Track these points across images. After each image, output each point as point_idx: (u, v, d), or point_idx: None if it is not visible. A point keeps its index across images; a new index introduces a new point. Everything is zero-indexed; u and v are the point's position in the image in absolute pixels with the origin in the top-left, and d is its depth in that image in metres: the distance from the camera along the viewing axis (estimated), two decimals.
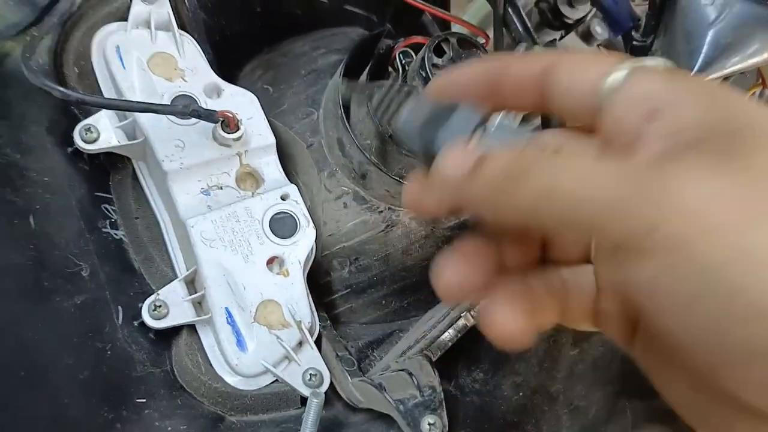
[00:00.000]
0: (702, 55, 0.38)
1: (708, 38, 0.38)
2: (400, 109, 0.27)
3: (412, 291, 0.56)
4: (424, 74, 0.45)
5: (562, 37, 0.62)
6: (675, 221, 0.18)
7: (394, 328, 0.56)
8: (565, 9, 0.58)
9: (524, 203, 0.21)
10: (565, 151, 0.23)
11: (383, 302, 0.55)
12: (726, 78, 0.44)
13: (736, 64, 0.38)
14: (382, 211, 0.52)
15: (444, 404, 0.42)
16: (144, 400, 0.42)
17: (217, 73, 0.52)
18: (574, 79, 0.24)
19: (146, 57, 0.48)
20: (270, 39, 0.58)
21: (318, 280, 0.53)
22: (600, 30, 0.59)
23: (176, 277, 0.47)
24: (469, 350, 0.53)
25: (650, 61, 0.23)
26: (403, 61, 0.50)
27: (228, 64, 0.57)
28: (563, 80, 0.24)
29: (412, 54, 0.50)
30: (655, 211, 0.18)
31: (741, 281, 0.17)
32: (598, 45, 0.66)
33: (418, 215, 0.29)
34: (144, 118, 0.46)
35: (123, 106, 0.44)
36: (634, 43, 0.42)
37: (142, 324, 0.44)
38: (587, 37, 0.63)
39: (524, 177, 0.21)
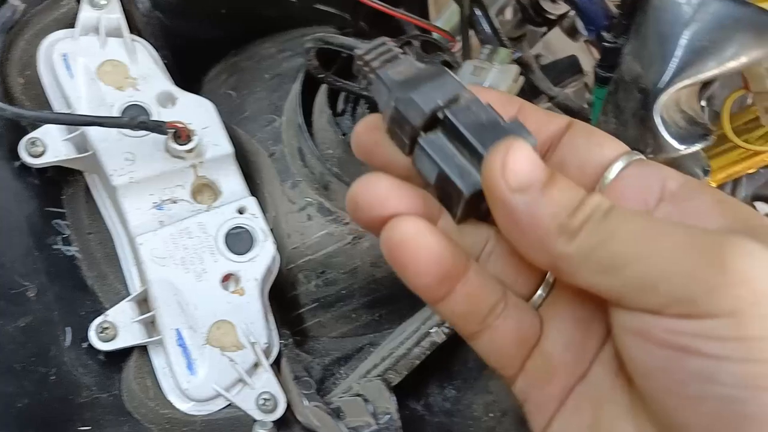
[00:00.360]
0: (675, 59, 0.35)
1: (682, 40, 0.35)
2: (385, 65, 0.24)
3: (383, 304, 0.53)
4: None
5: (544, 33, 0.59)
6: (735, 287, 0.18)
7: (365, 342, 0.53)
8: (546, 4, 0.55)
9: (567, 250, 0.21)
10: (618, 208, 0.22)
11: (353, 316, 0.53)
12: (707, 83, 0.40)
13: (712, 69, 0.35)
14: (348, 223, 0.49)
15: None
16: (88, 428, 0.40)
17: (178, 79, 0.50)
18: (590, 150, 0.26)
19: (95, 65, 0.46)
20: (237, 42, 0.56)
21: (283, 294, 0.51)
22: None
23: (130, 294, 0.45)
24: (442, 365, 0.51)
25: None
26: None
27: (192, 69, 0.55)
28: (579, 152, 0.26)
29: None
30: (719, 276, 0.19)
31: None
32: (585, 41, 0.62)
33: (368, 162, 0.27)
34: (92, 131, 0.44)
35: (64, 120, 0.42)
36: (605, 44, 0.38)
37: (92, 346, 0.43)
38: (572, 32, 0.59)
39: (579, 220, 0.21)
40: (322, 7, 0.57)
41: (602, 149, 0.25)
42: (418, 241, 0.23)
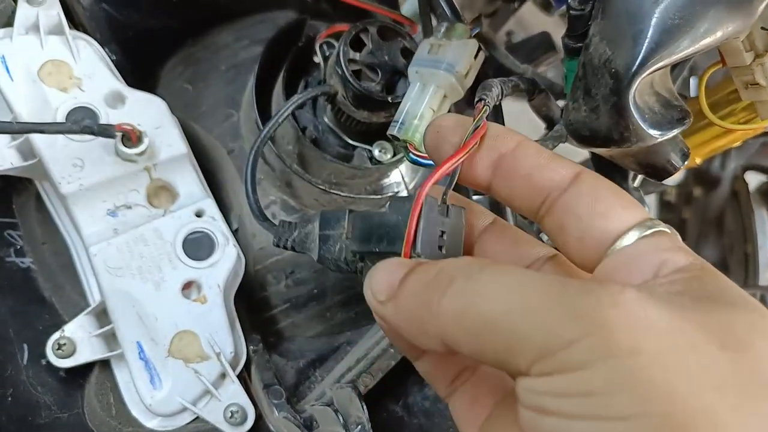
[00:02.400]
0: (647, 40, 0.32)
1: (653, 19, 0.32)
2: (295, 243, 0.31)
3: (357, 301, 0.51)
4: (340, 72, 0.39)
5: (516, 9, 0.56)
6: (589, 338, 0.17)
7: (342, 341, 0.52)
8: None
9: (441, 322, 0.20)
10: (492, 265, 0.21)
11: (327, 315, 0.51)
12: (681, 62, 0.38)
13: (686, 48, 0.32)
14: None
15: None
16: None
17: (130, 75, 0.47)
18: (592, 220, 0.23)
19: (36, 66, 0.43)
20: (193, 31, 0.53)
21: (252, 297, 0.49)
22: None
23: (90, 305, 0.43)
24: None
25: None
26: (327, 54, 0.45)
27: (146, 63, 0.52)
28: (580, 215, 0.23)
29: (336, 44, 0.45)
30: (576, 329, 0.17)
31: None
32: (561, 15, 0.60)
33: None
34: (37, 137, 0.41)
35: (1, 129, 0.39)
36: (572, 12, 0.36)
37: (51, 362, 0.41)
38: (546, 6, 0.56)
39: (443, 291, 0.20)
40: None
41: (607, 221, 0.22)
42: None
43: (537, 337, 0.18)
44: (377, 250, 0.25)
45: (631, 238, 0.21)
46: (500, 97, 0.29)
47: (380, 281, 0.22)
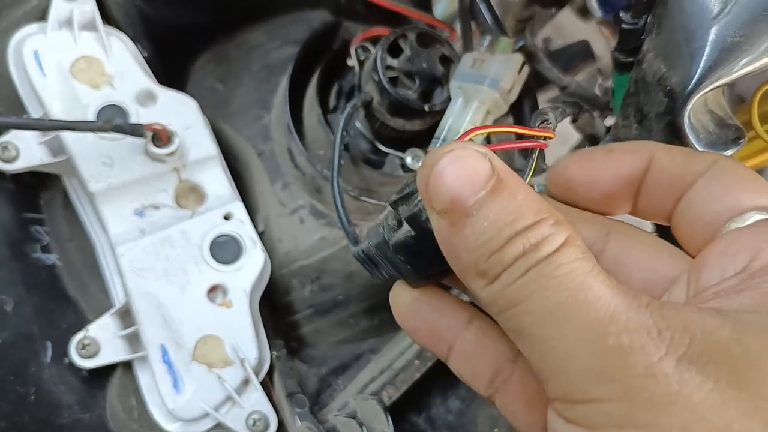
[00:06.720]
0: (704, 57, 0.31)
1: (711, 36, 0.31)
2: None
3: (383, 309, 0.50)
4: (376, 78, 0.39)
5: (554, 15, 0.54)
6: (624, 402, 0.16)
7: (365, 348, 0.51)
8: None
9: (498, 306, 0.18)
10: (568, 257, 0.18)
11: (351, 321, 0.50)
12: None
13: (746, 66, 0.31)
14: None
15: None
16: None
17: (161, 71, 0.46)
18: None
19: (69, 62, 0.42)
20: (225, 28, 0.52)
21: (276, 301, 0.48)
22: (597, 6, 0.51)
23: (114, 305, 0.43)
24: (447, 374, 0.48)
25: None
26: (362, 58, 0.44)
27: (177, 58, 0.51)
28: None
29: (372, 49, 0.44)
30: (607, 387, 0.16)
31: None
32: (597, 23, 0.58)
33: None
34: (67, 134, 0.41)
35: (32, 126, 0.39)
36: (623, 26, 0.35)
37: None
38: (584, 13, 0.55)
39: (509, 250, 0.17)
40: None
41: (738, 197, 0.21)
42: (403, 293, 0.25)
43: (566, 378, 0.17)
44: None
45: (752, 217, 0.21)
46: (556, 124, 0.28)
47: (449, 185, 0.17)
